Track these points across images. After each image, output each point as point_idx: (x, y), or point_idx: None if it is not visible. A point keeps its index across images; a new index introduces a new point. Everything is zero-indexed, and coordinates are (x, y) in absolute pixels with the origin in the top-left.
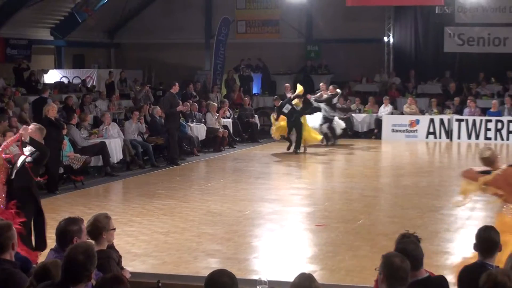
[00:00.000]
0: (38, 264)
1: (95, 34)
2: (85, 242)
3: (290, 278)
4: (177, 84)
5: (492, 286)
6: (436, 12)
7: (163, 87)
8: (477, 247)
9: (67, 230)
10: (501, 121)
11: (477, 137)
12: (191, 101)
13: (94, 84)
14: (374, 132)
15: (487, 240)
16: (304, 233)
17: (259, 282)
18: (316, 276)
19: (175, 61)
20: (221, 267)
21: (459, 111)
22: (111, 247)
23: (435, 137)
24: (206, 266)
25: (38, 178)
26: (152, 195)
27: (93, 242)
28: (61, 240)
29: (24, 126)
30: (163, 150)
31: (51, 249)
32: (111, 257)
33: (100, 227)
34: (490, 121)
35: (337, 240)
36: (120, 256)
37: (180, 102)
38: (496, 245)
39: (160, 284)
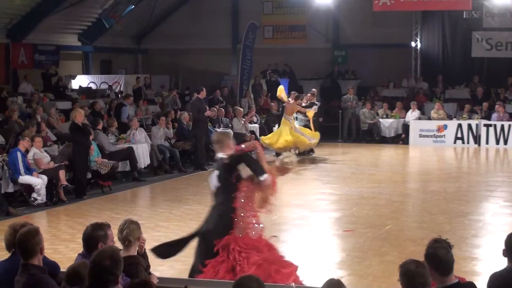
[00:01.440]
0: (68, 268)
1: (122, 39)
2: (110, 247)
3: (318, 284)
4: (204, 89)
5: None
6: (464, 16)
7: (189, 92)
8: (506, 253)
9: (93, 236)
10: None
11: (505, 142)
12: (218, 106)
13: (121, 89)
14: (401, 137)
15: None
16: (332, 239)
17: (287, 287)
18: (343, 281)
19: (202, 67)
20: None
21: (487, 116)
22: (143, 255)
23: (463, 142)
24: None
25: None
26: (179, 200)
27: (119, 247)
28: (88, 245)
29: None
30: (190, 156)
31: (79, 254)
32: (139, 263)
33: (129, 233)
34: None
35: (365, 245)
36: (149, 265)
37: (207, 107)
38: None
39: None
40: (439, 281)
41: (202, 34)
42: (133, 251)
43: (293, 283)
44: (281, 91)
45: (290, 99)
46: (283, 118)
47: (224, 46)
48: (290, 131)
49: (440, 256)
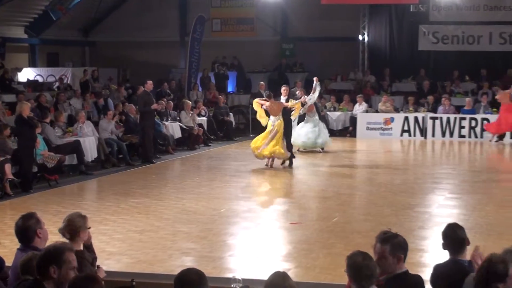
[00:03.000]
0: (22, 260)
1: (69, 32)
2: (53, 244)
3: (265, 276)
4: (149, 82)
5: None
6: (411, 10)
7: (132, 86)
8: (445, 245)
9: (26, 226)
10: (475, 119)
11: (451, 135)
12: (166, 99)
13: (68, 82)
14: (349, 130)
15: (453, 238)
16: (279, 231)
17: (233, 280)
18: (290, 274)
19: (150, 59)
20: (196, 265)
21: (434, 109)
22: (89, 247)
23: (410, 135)
24: (180, 264)
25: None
26: (127, 193)
27: (67, 241)
28: (24, 238)
29: None
30: (138, 149)
31: (18, 249)
32: (83, 257)
33: (75, 226)
34: (464, 119)
35: (312, 238)
36: (95, 257)
37: (155, 100)
38: (463, 241)
39: (134, 283)
40: (395, 268)
41: (150, 27)
42: (78, 245)
43: (240, 277)
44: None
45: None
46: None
47: (172, 39)
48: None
49: (402, 242)
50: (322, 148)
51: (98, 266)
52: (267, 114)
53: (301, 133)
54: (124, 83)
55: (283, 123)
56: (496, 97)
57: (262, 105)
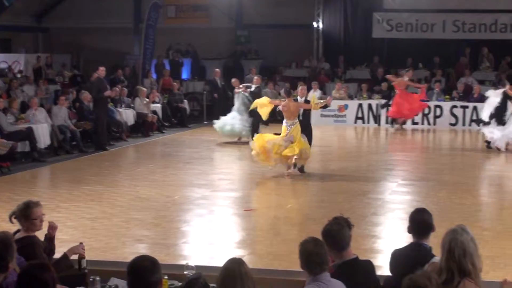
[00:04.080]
0: None
1: (22, 18)
2: (2, 232)
3: (219, 263)
4: (101, 68)
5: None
6: None
7: (82, 73)
8: (411, 229)
9: None
10: (428, 106)
11: (404, 122)
12: (120, 86)
13: (21, 69)
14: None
15: (420, 222)
16: (233, 218)
17: (186, 267)
18: (244, 260)
19: (104, 46)
20: (149, 252)
21: (387, 96)
22: (51, 240)
23: (363, 122)
24: (134, 251)
25: None
26: (80, 180)
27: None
28: None
29: None
30: (91, 136)
31: None
32: (36, 242)
33: (27, 213)
34: None
35: (266, 224)
36: (53, 251)
37: (109, 87)
38: (429, 226)
39: (86, 270)
40: (338, 257)
41: (104, 13)
42: (31, 230)
43: (193, 264)
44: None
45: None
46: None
47: (126, 25)
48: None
49: (334, 232)
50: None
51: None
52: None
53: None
54: (73, 69)
55: (300, 128)
56: (393, 83)
57: (276, 105)
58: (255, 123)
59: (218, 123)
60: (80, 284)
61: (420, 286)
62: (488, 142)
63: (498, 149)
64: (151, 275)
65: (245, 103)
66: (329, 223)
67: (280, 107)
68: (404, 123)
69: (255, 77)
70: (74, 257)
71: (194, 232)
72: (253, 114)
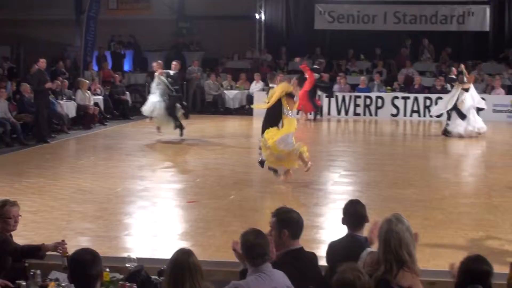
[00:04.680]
0: None
1: None
2: None
3: (162, 255)
4: (41, 60)
5: (348, 285)
6: None
7: (17, 66)
8: (345, 221)
9: None
10: (370, 97)
11: (346, 113)
12: (61, 78)
13: None
14: (245, 108)
15: (354, 214)
16: (176, 210)
17: (128, 259)
18: (193, 251)
19: (45, 38)
20: (91, 245)
21: (329, 88)
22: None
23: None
24: (76, 244)
25: None
26: (21, 173)
27: None
28: None
29: None
30: (32, 128)
31: None
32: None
33: (2, 211)
34: (359, 97)
35: (208, 216)
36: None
37: (49, 79)
38: (363, 218)
39: (26, 264)
40: (289, 244)
41: (44, 4)
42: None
43: (135, 256)
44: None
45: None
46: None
47: (67, 17)
48: None
49: (294, 219)
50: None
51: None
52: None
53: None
54: (5, 61)
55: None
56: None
57: (292, 95)
58: (171, 107)
59: (146, 109)
60: (20, 277)
61: (349, 281)
62: (448, 132)
63: (460, 136)
64: (91, 268)
65: (164, 87)
66: (288, 212)
67: (296, 98)
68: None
69: (174, 62)
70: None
71: (137, 225)
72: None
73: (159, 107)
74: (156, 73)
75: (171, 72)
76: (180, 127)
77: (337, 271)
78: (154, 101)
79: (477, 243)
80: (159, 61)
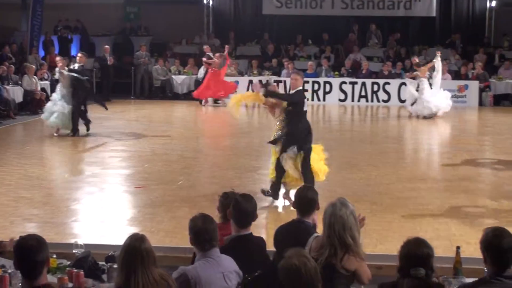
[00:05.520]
0: None
1: None
2: None
3: (110, 241)
4: None
5: (294, 270)
6: None
7: None
8: (295, 205)
9: None
10: (318, 82)
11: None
12: (7, 63)
13: None
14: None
15: (304, 199)
16: (124, 196)
17: (75, 245)
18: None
19: None
20: (39, 231)
21: (277, 73)
22: None
23: None
24: (22, 231)
25: None
26: None
27: None
28: None
29: None
30: None
31: None
32: None
33: None
34: (307, 82)
35: (156, 202)
36: None
37: None
38: (313, 204)
39: None
40: (236, 231)
41: None
42: None
43: (82, 243)
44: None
45: None
46: None
47: (13, 1)
48: None
49: (243, 206)
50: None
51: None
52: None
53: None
54: None
55: None
56: (207, 61)
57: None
58: (76, 113)
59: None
60: None
61: (295, 267)
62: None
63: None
64: (37, 254)
65: (70, 84)
66: (238, 199)
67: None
68: (207, 101)
69: (79, 55)
70: None
71: (84, 210)
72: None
73: (61, 106)
74: (57, 69)
75: (76, 66)
76: (76, 132)
77: (284, 257)
78: (55, 99)
79: (424, 227)
80: (64, 58)
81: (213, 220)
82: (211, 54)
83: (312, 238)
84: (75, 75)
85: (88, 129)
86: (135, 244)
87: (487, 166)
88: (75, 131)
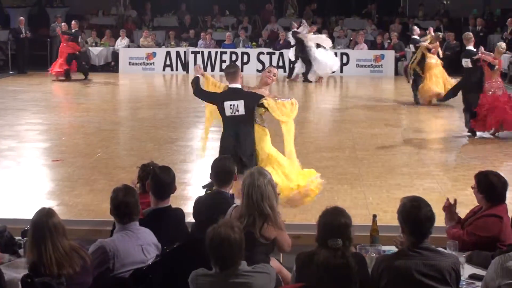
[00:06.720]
0: None
1: None
2: None
3: (27, 215)
4: None
5: (219, 240)
6: None
7: None
8: (212, 176)
9: None
10: (236, 53)
11: (212, 69)
12: None
13: None
14: (111, 65)
15: (221, 169)
16: (41, 169)
17: None
18: (54, 211)
19: None
20: None
21: (195, 44)
22: None
23: (172, 70)
24: None
25: None
26: None
27: None
28: None
29: None
30: None
31: None
32: None
33: None
34: (225, 53)
35: (74, 175)
36: None
37: None
38: (231, 174)
39: None
40: (154, 204)
41: None
42: None
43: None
44: None
45: None
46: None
47: None
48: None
49: (161, 177)
50: None
51: None
52: None
53: None
54: None
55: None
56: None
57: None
58: None
59: None
60: None
61: (223, 236)
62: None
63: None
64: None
65: None
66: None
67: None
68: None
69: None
70: None
71: (1, 185)
72: None
73: None
74: None
75: None
76: None
77: (213, 227)
78: None
79: (342, 196)
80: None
81: (135, 193)
82: None
83: (232, 208)
84: None
85: None
86: (43, 219)
87: (404, 134)
88: None
